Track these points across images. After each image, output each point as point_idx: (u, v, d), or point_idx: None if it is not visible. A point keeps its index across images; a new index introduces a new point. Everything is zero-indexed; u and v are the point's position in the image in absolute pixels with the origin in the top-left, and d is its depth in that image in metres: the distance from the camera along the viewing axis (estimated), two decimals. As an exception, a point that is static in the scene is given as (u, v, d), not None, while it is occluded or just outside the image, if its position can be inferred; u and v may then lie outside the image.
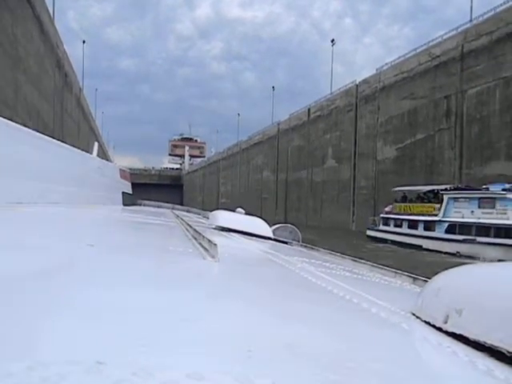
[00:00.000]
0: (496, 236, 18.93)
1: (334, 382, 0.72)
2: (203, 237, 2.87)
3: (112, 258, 1.98)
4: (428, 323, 1.21)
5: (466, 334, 1.03)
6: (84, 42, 60.02)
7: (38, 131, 7.94)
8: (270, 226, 6.45)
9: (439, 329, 1.14)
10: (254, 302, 1.40)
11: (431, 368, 0.98)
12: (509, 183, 20.04)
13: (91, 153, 15.45)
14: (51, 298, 1.10)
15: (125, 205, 15.06)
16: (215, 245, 2.29)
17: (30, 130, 7.09)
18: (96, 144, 16.49)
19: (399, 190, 26.88)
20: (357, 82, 40.42)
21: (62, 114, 35.65)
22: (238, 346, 0.85)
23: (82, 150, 13.43)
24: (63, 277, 1.39)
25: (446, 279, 1.32)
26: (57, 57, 33.81)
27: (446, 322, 1.12)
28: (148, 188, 69.96)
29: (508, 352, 0.90)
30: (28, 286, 1.20)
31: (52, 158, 7.77)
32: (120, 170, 18.96)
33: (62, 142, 10.86)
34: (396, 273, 3.15)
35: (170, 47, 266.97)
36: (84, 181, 10.45)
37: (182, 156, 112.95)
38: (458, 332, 1.06)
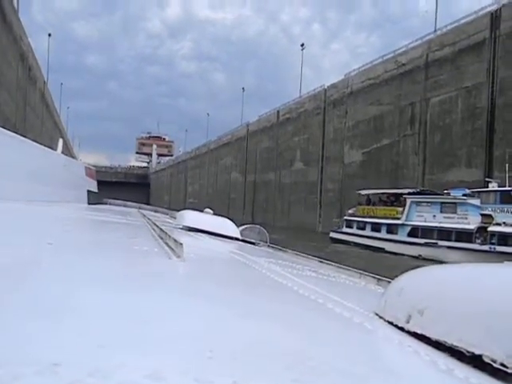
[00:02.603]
0: (457, 240, 19.56)
1: (295, 381, 0.72)
2: (169, 236, 2.83)
3: (73, 257, 1.91)
4: (391, 323, 1.23)
5: (427, 334, 1.06)
6: (50, 35, 58.20)
7: (-3, 125, 7.62)
8: (238, 227, 6.44)
9: (401, 328, 1.16)
10: (217, 301, 1.38)
11: (392, 367, 1.00)
12: (469, 189, 20.82)
13: (55, 149, 14.99)
14: (6, 297, 1.04)
15: (90, 203, 14.68)
16: (181, 244, 2.25)
17: None
18: (61, 140, 16.02)
19: (363, 194, 27.37)
20: (325, 87, 41.06)
21: (24, 107, 34.35)
22: (199, 346, 0.83)
23: (46, 145, 12.99)
24: (20, 275, 1.33)
25: (408, 280, 1.34)
26: (20, 49, 32.56)
27: (408, 322, 1.14)
28: (114, 186, 68.36)
29: (467, 351, 0.92)
30: None
31: (13, 154, 7.47)
32: (86, 167, 18.47)
33: (24, 136, 10.46)
34: (361, 274, 3.21)
35: (139, 45, 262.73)
36: (47, 178, 10.10)
37: (149, 154, 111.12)
38: (419, 332, 1.08)
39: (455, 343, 0.96)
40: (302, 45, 54.66)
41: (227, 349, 0.84)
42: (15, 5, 31.79)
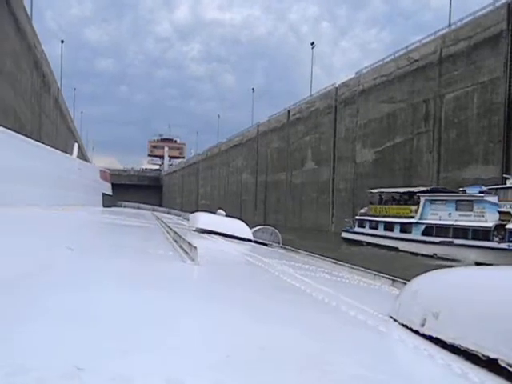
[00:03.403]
0: (474, 238, 19.22)
1: None
2: (183, 239, 2.86)
3: (92, 261, 1.95)
4: (405, 326, 1.23)
5: (442, 338, 1.05)
6: (62, 41, 59.08)
7: (14, 132, 7.76)
8: (250, 228, 6.45)
9: (416, 332, 1.16)
10: (232, 305, 1.40)
11: (407, 371, 1.00)
12: (486, 186, 20.48)
13: (71, 154, 15.21)
14: (29, 302, 1.08)
15: (105, 206, 14.85)
16: (195, 248, 2.28)
17: (6, 130, 6.93)
18: (76, 145, 16.27)
19: (375, 192, 27.11)
20: (336, 85, 40.86)
21: (39, 114, 34.93)
22: (215, 350, 0.85)
23: (61, 150, 13.18)
24: (42, 281, 1.37)
25: (423, 283, 1.34)
26: (34, 57, 33.14)
27: (422, 326, 1.14)
28: (127, 189, 69.07)
29: (483, 355, 0.92)
30: (5, 290, 1.17)
31: (31, 160, 7.61)
32: (100, 170, 18.68)
33: (40, 142, 10.64)
34: (375, 275, 3.18)
35: (149, 49, 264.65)
36: (64, 182, 10.26)
37: (161, 157, 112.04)
38: (434, 335, 1.08)
39: (470, 347, 0.96)
40: (313, 43, 54.57)
41: (243, 353, 0.86)
42: (28, 13, 32.33)
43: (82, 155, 49.90)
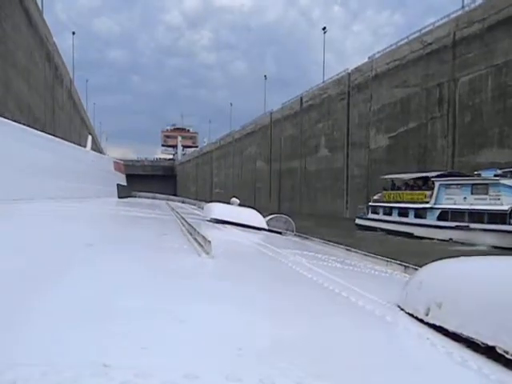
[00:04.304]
0: (490, 222, 18.98)
1: (316, 376, 0.79)
2: (198, 232, 2.93)
3: (108, 257, 2.03)
4: (411, 315, 1.28)
5: (445, 326, 1.10)
6: (74, 33, 59.43)
7: (29, 126, 7.92)
8: (264, 216, 6.51)
9: (421, 321, 1.21)
10: (245, 299, 1.46)
11: (408, 359, 1.05)
12: (500, 169, 20.17)
13: (85, 146, 15.41)
14: (52, 299, 1.15)
15: (120, 197, 15.04)
16: (209, 241, 2.34)
17: (21, 126, 7.07)
18: (90, 137, 16.43)
19: (388, 178, 26.87)
20: (349, 71, 40.30)
21: (53, 107, 35.31)
22: (229, 344, 0.91)
23: (75, 142, 13.37)
24: (60, 276, 1.44)
25: (428, 273, 1.39)
26: (46, 49, 33.38)
27: (427, 315, 1.19)
28: (142, 179, 69.64)
29: (482, 343, 0.97)
30: (24, 285, 1.25)
31: (45, 154, 7.76)
32: (114, 162, 18.89)
33: (54, 135, 10.82)
34: (388, 261, 3.22)
35: (159, 38, 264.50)
36: (79, 175, 10.44)
37: (174, 146, 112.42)
38: (437, 324, 1.13)
39: (471, 335, 1.01)
40: (324, 28, 53.77)
41: (255, 347, 0.92)
42: (39, 5, 32.50)
43: (96, 147, 50.36)
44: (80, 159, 11.67)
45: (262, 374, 0.74)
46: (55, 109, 36.18)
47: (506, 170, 19.88)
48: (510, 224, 18.29)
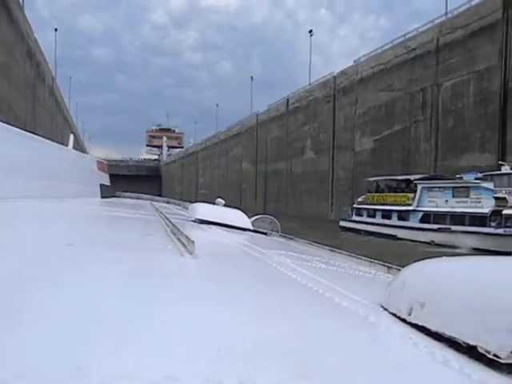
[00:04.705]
0: (471, 224, 19.36)
1: (299, 377, 0.77)
2: (181, 233, 2.90)
3: (90, 257, 1.98)
4: (394, 315, 1.28)
5: (427, 326, 1.10)
6: (56, 29, 58.44)
7: (9, 124, 7.75)
8: (250, 217, 6.49)
9: (404, 320, 1.21)
10: (229, 300, 1.44)
11: (391, 358, 1.05)
12: (481, 173, 20.58)
13: (67, 145, 15.16)
14: (29, 300, 1.11)
15: (103, 197, 14.85)
16: (193, 242, 2.31)
17: (1, 124, 6.91)
18: (72, 136, 16.18)
19: (372, 181, 27.17)
20: (335, 74, 40.60)
21: (34, 105, 34.67)
22: (210, 346, 0.89)
23: (57, 141, 13.15)
24: (39, 277, 1.40)
25: (410, 273, 1.39)
26: (27, 46, 32.74)
27: (410, 314, 1.19)
28: (126, 179, 68.95)
29: (464, 343, 0.97)
30: (2, 287, 1.21)
31: (26, 152, 7.61)
32: (97, 161, 18.63)
33: (35, 134, 10.61)
34: (371, 262, 3.24)
35: (145, 36, 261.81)
36: (60, 174, 10.26)
37: (159, 147, 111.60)
38: (420, 324, 1.13)
39: (453, 335, 1.01)
40: (311, 31, 53.98)
41: (236, 348, 0.90)
42: (20, 1, 31.87)
43: (79, 146, 49.69)
44: (62, 158, 11.47)
45: (243, 376, 0.73)
46: (36, 107, 35.51)
47: (486, 173, 20.29)
48: (490, 226, 18.68)
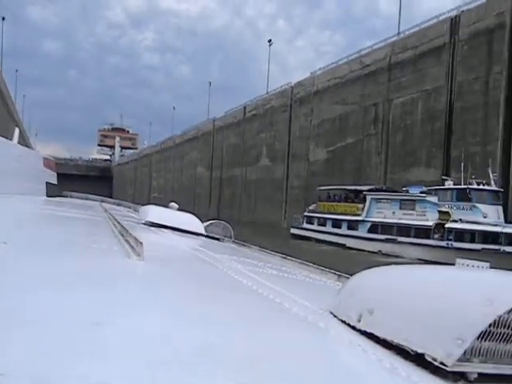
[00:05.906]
0: (416, 236, 20.28)
1: None
2: (129, 234, 2.78)
3: (27, 257, 1.84)
4: (344, 322, 1.27)
5: (376, 333, 1.10)
6: (3, 18, 55.44)
7: None
8: (203, 222, 6.40)
9: (353, 327, 1.20)
10: (173, 304, 1.37)
11: (340, 365, 1.03)
12: (426, 187, 21.63)
13: (11, 139, 14.35)
14: None
15: (49, 196, 14.16)
16: (141, 243, 2.22)
17: None
18: (16, 130, 15.37)
19: (324, 190, 27.82)
20: (292, 84, 41.40)
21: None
22: (150, 352, 0.83)
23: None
24: None
25: (360, 280, 1.39)
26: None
27: (359, 321, 1.18)
28: (75, 179, 66.29)
29: (412, 350, 0.97)
30: None
31: None
32: (44, 158, 17.77)
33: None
34: (322, 270, 3.27)
35: (100, 34, 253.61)
36: (2, 169, 9.66)
37: (112, 147, 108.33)
38: (369, 331, 1.12)
39: (401, 342, 1.00)
40: (270, 41, 54.72)
41: (179, 354, 0.84)
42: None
43: (24, 141, 47.24)
44: (4, 153, 10.83)
45: (183, 383, 0.68)
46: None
47: (430, 188, 21.35)
48: (433, 239, 19.62)
